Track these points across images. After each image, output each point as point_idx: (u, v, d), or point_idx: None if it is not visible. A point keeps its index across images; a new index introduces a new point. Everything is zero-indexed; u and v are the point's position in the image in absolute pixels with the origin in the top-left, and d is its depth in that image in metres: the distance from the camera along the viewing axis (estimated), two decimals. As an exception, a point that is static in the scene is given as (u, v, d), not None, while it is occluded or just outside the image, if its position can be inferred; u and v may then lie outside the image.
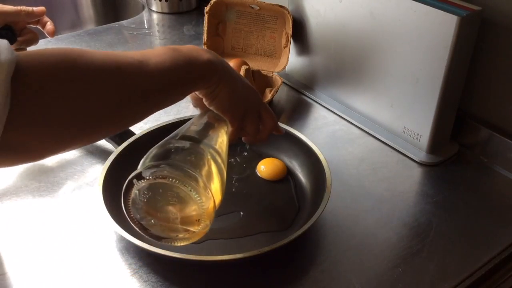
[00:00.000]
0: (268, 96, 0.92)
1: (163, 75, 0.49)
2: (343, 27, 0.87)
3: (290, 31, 0.95)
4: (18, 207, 0.71)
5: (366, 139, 0.87)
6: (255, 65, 0.98)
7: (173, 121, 0.79)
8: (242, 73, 0.89)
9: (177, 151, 0.52)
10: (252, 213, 0.70)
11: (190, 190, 0.48)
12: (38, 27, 0.85)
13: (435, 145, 0.81)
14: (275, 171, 0.76)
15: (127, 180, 0.49)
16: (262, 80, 0.95)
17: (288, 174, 0.77)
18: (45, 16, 0.85)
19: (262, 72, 0.96)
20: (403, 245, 0.66)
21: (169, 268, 0.62)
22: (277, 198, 0.73)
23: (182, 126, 0.58)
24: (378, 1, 0.79)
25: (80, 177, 0.76)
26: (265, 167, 0.77)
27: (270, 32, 0.99)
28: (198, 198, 0.48)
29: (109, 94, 0.44)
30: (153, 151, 0.52)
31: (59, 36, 1.21)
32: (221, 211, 0.70)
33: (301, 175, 0.76)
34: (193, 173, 0.49)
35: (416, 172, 0.80)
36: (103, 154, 0.80)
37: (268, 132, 0.64)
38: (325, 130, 0.89)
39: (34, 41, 0.84)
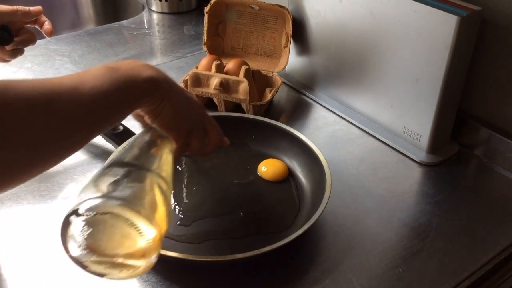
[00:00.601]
0: (268, 96, 0.92)
1: (100, 99, 0.47)
2: (343, 27, 0.87)
3: (290, 31, 0.95)
4: (19, 208, 0.71)
5: (366, 139, 0.87)
6: (255, 65, 0.98)
7: (173, 121, 0.79)
8: (242, 73, 0.89)
9: (116, 181, 0.48)
10: (252, 213, 0.70)
11: (132, 225, 0.45)
12: (36, 26, 0.84)
13: (435, 145, 0.81)
14: (276, 172, 0.76)
15: (64, 217, 0.45)
16: (262, 80, 0.95)
17: (288, 175, 0.77)
18: (42, 15, 0.84)
19: (262, 72, 0.96)
20: (403, 245, 0.66)
21: (169, 268, 0.62)
22: (278, 198, 0.73)
23: (124, 147, 0.55)
24: (378, 1, 0.79)
25: (80, 177, 0.76)
26: (267, 168, 0.77)
27: (270, 32, 0.99)
28: (141, 232, 0.45)
29: (43, 127, 0.42)
30: (90, 182, 0.48)
31: (59, 36, 1.21)
32: (221, 211, 0.70)
33: (301, 175, 0.76)
34: (134, 206, 0.46)
35: (416, 172, 0.80)
36: (103, 154, 0.80)
37: (214, 146, 0.63)
38: (325, 130, 0.89)
39: (31, 41, 0.83)
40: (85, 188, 0.47)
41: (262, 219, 0.69)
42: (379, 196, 0.74)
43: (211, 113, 0.89)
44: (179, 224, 0.68)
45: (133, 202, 0.46)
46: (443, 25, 0.71)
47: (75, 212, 0.45)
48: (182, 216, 0.69)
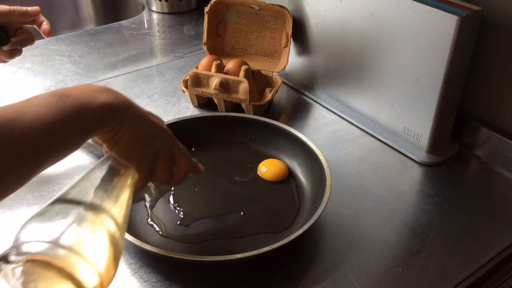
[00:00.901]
0: (268, 96, 0.92)
1: (43, 131, 0.42)
2: (343, 27, 0.87)
3: (290, 31, 0.95)
4: (19, 210, 0.71)
5: (366, 139, 0.87)
6: (255, 65, 0.98)
7: (173, 121, 0.79)
8: (242, 73, 0.89)
9: (59, 223, 0.44)
10: (252, 213, 0.70)
11: (69, 278, 0.40)
12: (34, 26, 0.83)
13: (435, 145, 0.81)
14: (276, 172, 0.76)
15: None
16: (262, 80, 0.95)
17: (288, 175, 0.77)
18: (41, 15, 0.83)
19: (262, 72, 0.96)
20: (403, 245, 0.66)
21: (169, 268, 0.62)
22: (278, 198, 0.73)
23: (78, 179, 0.50)
24: (378, 1, 0.79)
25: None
26: (267, 168, 0.77)
27: (270, 32, 0.99)
28: (81, 284, 0.41)
29: None
30: (28, 223, 0.44)
31: (59, 36, 1.21)
32: (221, 211, 0.70)
33: (301, 175, 0.76)
34: (73, 255, 0.41)
35: (416, 172, 0.80)
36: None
37: (182, 175, 0.58)
38: (325, 130, 0.89)
39: (29, 41, 0.81)
40: (23, 226, 0.43)
41: (262, 219, 0.69)
42: (379, 196, 0.74)
43: (211, 113, 0.90)
44: (179, 224, 0.68)
45: (71, 251, 0.41)
46: (443, 25, 0.71)
47: (3, 258, 0.40)
48: (182, 216, 0.69)
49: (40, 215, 0.44)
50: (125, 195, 0.51)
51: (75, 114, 0.45)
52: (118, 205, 0.49)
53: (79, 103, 0.45)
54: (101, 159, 0.53)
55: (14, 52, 0.82)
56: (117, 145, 0.50)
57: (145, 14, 1.35)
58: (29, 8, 0.80)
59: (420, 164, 0.81)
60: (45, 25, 0.83)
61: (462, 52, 0.73)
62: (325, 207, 0.64)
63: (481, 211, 0.72)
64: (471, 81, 0.81)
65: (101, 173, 0.51)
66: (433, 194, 0.75)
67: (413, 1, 0.73)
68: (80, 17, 1.53)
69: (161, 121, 0.57)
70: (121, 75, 1.05)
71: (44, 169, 0.44)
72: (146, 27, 1.28)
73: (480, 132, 0.82)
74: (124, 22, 1.29)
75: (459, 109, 0.82)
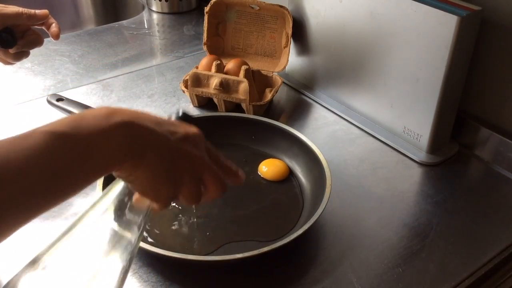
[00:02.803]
0: (268, 96, 0.92)
1: (28, 186, 0.35)
2: (343, 27, 0.87)
3: (290, 31, 0.95)
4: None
5: (366, 139, 0.87)
6: (255, 65, 0.98)
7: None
8: (242, 73, 0.89)
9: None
10: (252, 213, 0.70)
11: None
12: (43, 28, 0.82)
13: (435, 145, 0.81)
14: (277, 171, 0.76)
15: None
16: (262, 80, 0.95)
17: (289, 174, 0.77)
18: (50, 17, 0.81)
19: (262, 72, 0.96)
20: (403, 245, 0.66)
21: (169, 268, 0.62)
22: (279, 198, 0.73)
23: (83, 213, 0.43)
24: (378, 1, 0.79)
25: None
26: (267, 168, 0.77)
27: (270, 32, 0.99)
28: None
29: None
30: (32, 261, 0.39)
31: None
32: (221, 212, 0.70)
33: (301, 175, 0.76)
34: None
35: (416, 172, 0.80)
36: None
37: (207, 200, 0.48)
38: (325, 130, 0.89)
39: (37, 43, 0.79)
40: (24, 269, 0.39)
41: (262, 219, 0.69)
42: (379, 196, 0.74)
43: (211, 113, 0.90)
44: (180, 226, 0.68)
45: None
46: (443, 25, 0.71)
47: None
48: (181, 217, 0.69)
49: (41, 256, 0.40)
50: (141, 228, 0.45)
51: (81, 161, 0.37)
52: (132, 239, 0.44)
53: (87, 147, 0.37)
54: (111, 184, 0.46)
55: (21, 55, 0.80)
56: (132, 183, 0.43)
57: (145, 14, 1.35)
58: (37, 11, 0.78)
59: (420, 164, 0.81)
60: (54, 27, 0.81)
61: (462, 52, 0.73)
62: (325, 207, 0.64)
63: (481, 211, 0.72)
64: (471, 81, 0.81)
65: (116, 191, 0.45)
66: (433, 194, 0.75)
67: (413, 1, 0.73)
68: (80, 17, 1.53)
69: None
70: (121, 75, 1.05)
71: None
72: (146, 27, 1.28)
73: (480, 132, 0.82)
74: (124, 22, 1.29)
75: (459, 109, 0.82)
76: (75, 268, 0.40)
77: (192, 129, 0.46)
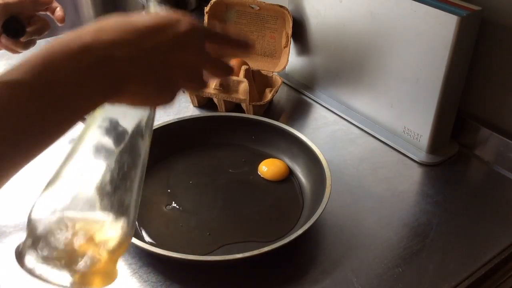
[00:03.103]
0: (268, 96, 0.92)
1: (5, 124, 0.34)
2: (343, 27, 0.87)
3: (290, 31, 0.95)
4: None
5: (366, 139, 0.87)
6: (255, 65, 0.98)
7: (173, 121, 0.79)
8: (242, 73, 0.89)
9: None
10: (253, 213, 0.70)
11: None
12: (48, 13, 0.79)
13: (435, 145, 0.81)
14: (277, 171, 0.76)
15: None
16: (262, 80, 0.95)
17: (289, 174, 0.77)
18: (54, 1, 0.79)
19: (262, 72, 0.96)
20: (403, 245, 0.66)
21: (169, 268, 0.62)
22: (279, 198, 0.73)
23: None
24: (378, 1, 0.79)
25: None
26: (267, 168, 0.77)
27: (270, 32, 0.99)
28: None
29: None
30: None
31: (59, 36, 1.21)
32: (221, 211, 0.70)
33: (301, 175, 0.76)
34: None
35: (416, 172, 0.80)
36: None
37: (213, 78, 0.47)
38: (325, 130, 0.89)
39: (45, 29, 0.77)
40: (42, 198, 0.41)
41: (262, 219, 0.69)
42: (379, 196, 0.74)
43: (211, 113, 0.90)
44: (180, 226, 0.68)
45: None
46: (443, 25, 0.71)
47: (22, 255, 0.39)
48: (182, 217, 0.69)
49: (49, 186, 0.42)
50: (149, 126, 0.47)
51: (49, 116, 0.36)
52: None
53: (57, 98, 0.36)
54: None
55: (29, 43, 0.78)
56: (118, 101, 0.41)
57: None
58: None
59: (420, 164, 0.81)
60: (59, 11, 0.79)
61: (462, 52, 0.73)
62: (325, 207, 0.64)
63: (481, 211, 0.72)
64: (471, 81, 0.81)
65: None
66: (433, 194, 0.75)
67: (413, 1, 0.73)
68: (80, 17, 1.53)
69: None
70: (121, 75, 1.04)
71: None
72: (146, 27, 1.28)
73: (480, 132, 0.82)
74: (124, 22, 1.29)
75: (459, 109, 0.82)
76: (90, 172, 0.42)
77: (182, 26, 0.43)
